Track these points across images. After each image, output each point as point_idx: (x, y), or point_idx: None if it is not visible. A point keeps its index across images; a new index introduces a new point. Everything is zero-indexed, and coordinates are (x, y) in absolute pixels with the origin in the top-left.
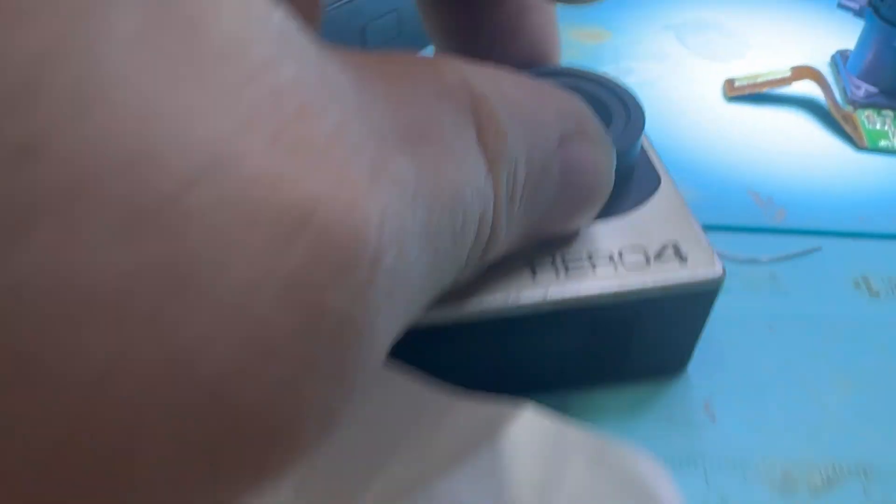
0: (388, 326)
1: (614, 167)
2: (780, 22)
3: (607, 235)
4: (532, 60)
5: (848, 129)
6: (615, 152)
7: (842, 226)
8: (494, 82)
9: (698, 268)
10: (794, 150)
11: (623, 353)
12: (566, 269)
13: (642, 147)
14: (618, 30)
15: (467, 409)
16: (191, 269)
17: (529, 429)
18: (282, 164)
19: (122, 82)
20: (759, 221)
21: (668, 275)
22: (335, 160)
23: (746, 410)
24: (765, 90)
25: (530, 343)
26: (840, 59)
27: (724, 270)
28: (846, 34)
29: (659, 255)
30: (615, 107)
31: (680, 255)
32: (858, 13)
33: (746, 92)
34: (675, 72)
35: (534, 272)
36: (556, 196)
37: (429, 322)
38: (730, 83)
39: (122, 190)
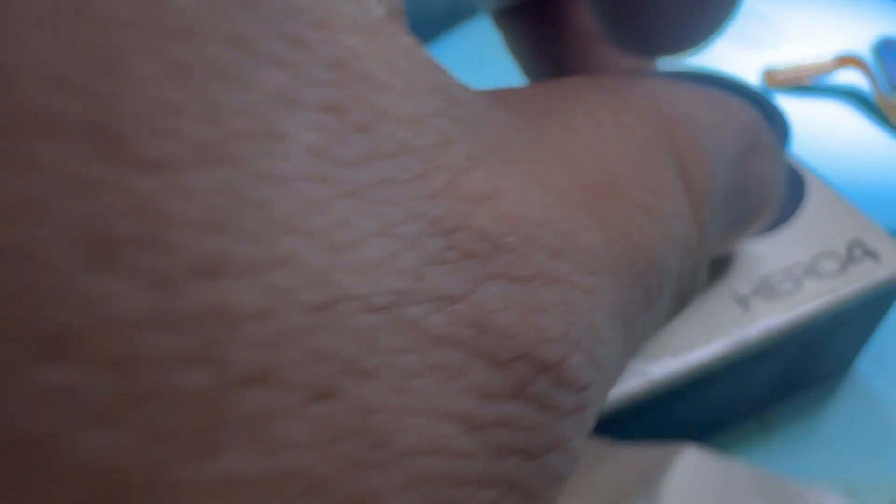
0: (586, 429)
1: (785, 175)
2: (816, 7)
3: (792, 246)
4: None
5: (895, 120)
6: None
7: (891, 221)
8: (679, 101)
9: (892, 262)
10: (840, 143)
11: (815, 364)
12: (774, 291)
13: None
14: None
15: (628, 454)
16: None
17: (696, 470)
18: (486, 301)
19: None
20: None
21: (868, 275)
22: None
23: (804, 421)
24: (807, 81)
25: (742, 381)
26: (884, 47)
27: None
28: (889, 19)
29: (850, 256)
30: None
31: (869, 252)
32: None
33: (788, 83)
34: (710, 61)
35: (744, 304)
36: (735, 215)
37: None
38: (770, 74)
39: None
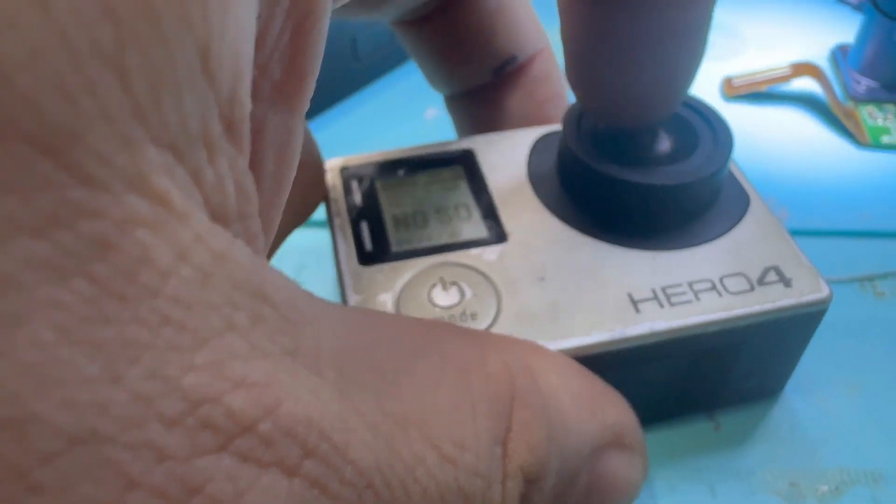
0: None
1: (646, 479)
2: (777, 17)
3: (706, 262)
4: (517, 52)
5: (850, 125)
6: (706, 185)
7: (845, 225)
8: (546, 377)
9: (804, 290)
10: (796, 148)
11: (721, 382)
12: (669, 300)
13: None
14: None
15: None
16: None
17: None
18: None
19: None
20: None
21: (774, 299)
22: None
23: (751, 419)
24: (764, 88)
25: (632, 379)
26: (840, 54)
27: (830, 292)
28: (845, 28)
29: (762, 280)
30: (701, 128)
31: (784, 279)
32: (857, 7)
33: (745, 91)
34: None
35: (636, 307)
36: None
37: None
38: (728, 82)
39: None
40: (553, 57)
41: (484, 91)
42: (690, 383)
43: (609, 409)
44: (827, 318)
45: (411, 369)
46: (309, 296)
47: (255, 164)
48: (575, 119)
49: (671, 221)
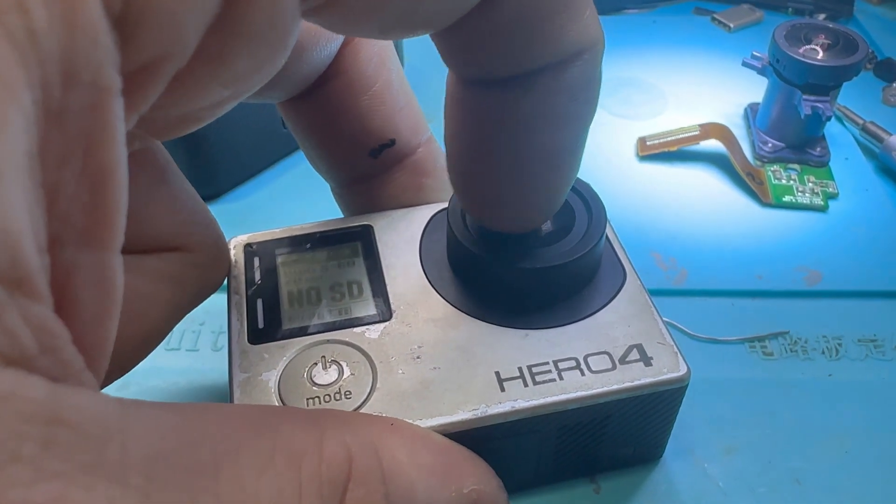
0: None
1: None
2: (697, 76)
3: (575, 340)
4: (395, 136)
5: (753, 185)
6: (575, 267)
7: (740, 285)
8: (391, 452)
9: (663, 369)
10: (701, 208)
11: (594, 451)
12: (534, 379)
13: (607, 238)
14: None
15: None
16: None
17: None
18: None
19: None
20: (661, 283)
21: (633, 378)
22: None
23: (630, 483)
24: (675, 148)
25: (505, 450)
26: (750, 113)
27: (688, 370)
28: (759, 87)
29: (624, 359)
30: (575, 202)
31: (645, 358)
32: (761, 71)
33: (657, 150)
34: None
35: (502, 385)
36: None
37: None
38: (642, 142)
39: None
40: (437, 147)
41: (368, 179)
42: (564, 453)
43: (467, 476)
44: (714, 379)
45: (233, 460)
46: (121, 407)
47: (68, 302)
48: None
49: (544, 301)
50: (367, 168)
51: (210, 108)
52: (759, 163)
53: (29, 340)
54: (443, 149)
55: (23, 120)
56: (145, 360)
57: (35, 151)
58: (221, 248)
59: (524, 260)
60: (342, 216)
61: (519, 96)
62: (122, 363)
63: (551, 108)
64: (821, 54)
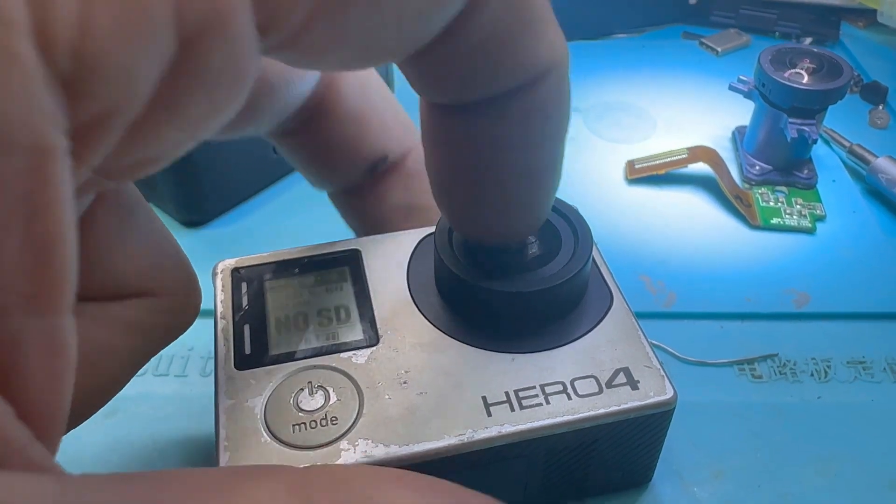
0: None
1: None
2: (686, 100)
3: (562, 364)
4: (388, 152)
5: (741, 208)
6: (560, 291)
7: (729, 308)
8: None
9: (650, 393)
10: (690, 231)
11: (583, 475)
12: (520, 404)
13: (594, 261)
14: None
15: None
16: None
17: None
18: None
19: None
20: (650, 306)
21: (620, 401)
22: None
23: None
24: (664, 172)
25: (493, 475)
26: (738, 136)
27: (675, 393)
28: (747, 110)
29: (611, 382)
30: (562, 227)
31: (632, 381)
32: (748, 95)
33: (646, 174)
34: (580, 156)
35: (488, 410)
36: None
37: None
38: (630, 165)
39: None
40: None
41: (363, 187)
42: (552, 478)
43: None
44: (703, 402)
45: None
46: (60, 487)
47: (16, 371)
48: (446, 224)
49: (531, 325)
50: (362, 181)
51: (167, 151)
52: (747, 185)
53: None
54: None
55: None
56: (134, 385)
57: None
58: (191, 291)
59: (510, 284)
60: (332, 241)
61: (492, 120)
62: (76, 416)
63: (525, 129)
64: (806, 78)
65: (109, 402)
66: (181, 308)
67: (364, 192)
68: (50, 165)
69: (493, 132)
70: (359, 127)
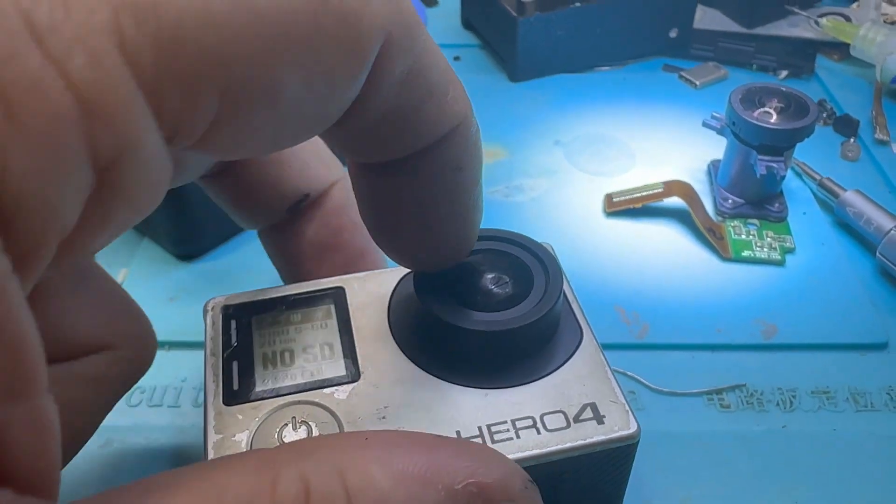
0: None
1: None
2: (664, 133)
3: (532, 399)
4: (309, 190)
5: (713, 240)
6: (531, 330)
7: (699, 339)
8: (358, 472)
9: (614, 427)
10: (664, 263)
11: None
12: (492, 438)
13: (565, 297)
14: (513, 147)
15: None
16: None
17: None
18: None
19: None
20: (624, 337)
21: (586, 436)
22: None
23: None
24: (640, 205)
25: None
26: (713, 169)
27: (638, 427)
28: (722, 145)
29: (578, 417)
30: (532, 264)
31: (598, 416)
32: (720, 132)
33: (623, 207)
34: (560, 188)
35: None
36: None
37: None
38: (609, 198)
39: None
40: (347, 187)
41: (285, 224)
42: None
43: (458, 471)
44: (672, 432)
45: None
46: None
47: (9, 452)
48: None
49: (503, 362)
50: (285, 219)
51: (102, 245)
52: (720, 218)
53: None
54: None
55: None
56: (128, 416)
57: None
58: (147, 338)
59: (483, 323)
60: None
61: (409, 176)
62: None
63: (441, 181)
64: (774, 117)
65: (103, 434)
66: (138, 356)
67: (286, 229)
68: (2, 285)
69: (411, 186)
70: (279, 168)
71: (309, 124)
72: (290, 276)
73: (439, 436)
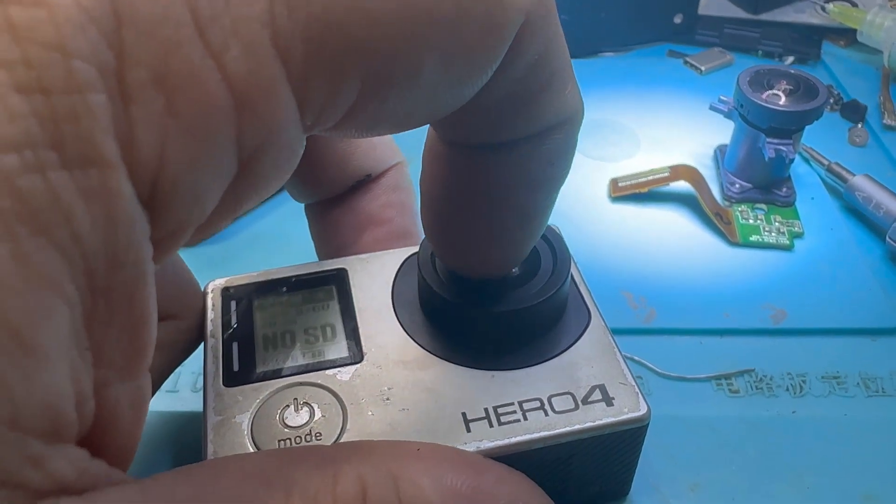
0: None
1: None
2: (670, 119)
3: (540, 380)
4: (372, 171)
5: (721, 225)
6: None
7: (708, 324)
8: (410, 481)
9: (624, 409)
10: (671, 248)
11: (560, 489)
12: (499, 420)
13: (573, 279)
14: None
15: None
16: None
17: None
18: None
19: None
20: (631, 322)
21: (595, 418)
22: None
23: None
24: (646, 189)
25: None
26: (719, 154)
27: (648, 409)
28: (728, 129)
29: (587, 399)
30: (540, 245)
31: (607, 398)
32: (727, 115)
33: (629, 192)
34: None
35: (468, 426)
36: None
37: None
38: (614, 183)
39: None
40: (405, 172)
41: (341, 199)
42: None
43: (500, 496)
44: (681, 416)
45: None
46: (140, 491)
47: (112, 424)
48: (429, 244)
49: (511, 343)
50: (342, 194)
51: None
52: (727, 203)
53: (68, 478)
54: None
55: (66, 308)
56: None
57: (80, 326)
58: (202, 312)
59: (490, 304)
60: (318, 259)
61: (499, 160)
62: None
63: (528, 173)
64: (783, 99)
65: None
66: (198, 326)
67: (339, 204)
68: (145, 270)
69: (496, 172)
70: (347, 146)
71: (442, 105)
72: (327, 248)
73: (485, 459)
